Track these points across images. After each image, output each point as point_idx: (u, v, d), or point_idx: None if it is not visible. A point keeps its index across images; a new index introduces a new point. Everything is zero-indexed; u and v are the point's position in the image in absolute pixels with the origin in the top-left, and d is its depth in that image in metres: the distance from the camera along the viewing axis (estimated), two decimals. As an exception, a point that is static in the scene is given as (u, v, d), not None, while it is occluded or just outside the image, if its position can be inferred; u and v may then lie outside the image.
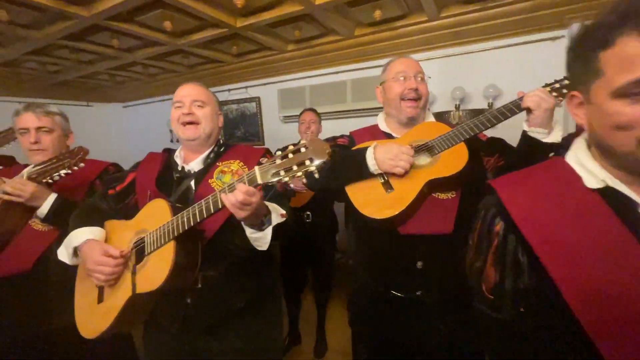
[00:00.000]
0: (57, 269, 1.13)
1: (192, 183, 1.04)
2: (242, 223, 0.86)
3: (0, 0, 1.74)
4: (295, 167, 0.72)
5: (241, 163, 1.08)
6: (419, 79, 1.11)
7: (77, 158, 1.18)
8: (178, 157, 1.12)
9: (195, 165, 1.08)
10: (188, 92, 1.06)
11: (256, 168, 0.77)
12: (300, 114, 2.24)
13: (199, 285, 0.95)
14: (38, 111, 1.27)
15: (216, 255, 0.96)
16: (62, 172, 1.17)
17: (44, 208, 1.15)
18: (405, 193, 1.00)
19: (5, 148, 1.69)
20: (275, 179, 0.74)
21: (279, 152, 0.75)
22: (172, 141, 3.73)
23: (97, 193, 1.16)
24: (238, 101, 3.39)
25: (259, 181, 0.76)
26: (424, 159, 1.05)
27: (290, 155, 0.73)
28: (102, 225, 1.02)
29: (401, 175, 0.99)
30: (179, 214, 0.86)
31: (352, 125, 1.43)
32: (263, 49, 2.75)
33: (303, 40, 2.56)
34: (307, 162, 0.71)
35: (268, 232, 0.88)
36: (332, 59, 2.81)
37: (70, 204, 1.19)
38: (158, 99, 4.20)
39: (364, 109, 2.76)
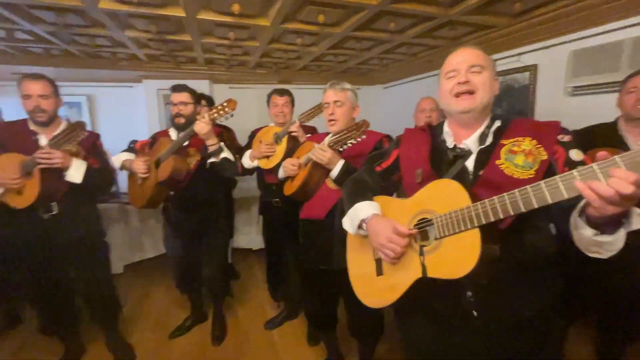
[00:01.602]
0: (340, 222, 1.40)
1: (470, 163, 0.92)
2: (585, 220, 0.67)
3: (319, 5, 2.28)
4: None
5: (534, 141, 0.86)
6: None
7: (361, 130, 1.35)
8: (447, 134, 1.01)
9: (471, 143, 0.95)
10: (463, 58, 0.93)
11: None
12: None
13: (485, 281, 0.83)
14: (337, 87, 1.56)
15: (509, 252, 0.82)
16: (350, 142, 1.38)
17: (335, 171, 1.42)
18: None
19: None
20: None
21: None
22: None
23: (364, 168, 1.23)
24: (505, 72, 2.91)
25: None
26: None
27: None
28: (372, 200, 1.07)
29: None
30: (485, 201, 0.76)
31: None
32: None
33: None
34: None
35: (621, 236, 0.63)
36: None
37: (352, 170, 1.39)
38: (412, 78, 4.42)
39: None
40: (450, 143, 0.99)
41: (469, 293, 0.88)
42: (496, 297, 0.85)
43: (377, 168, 1.16)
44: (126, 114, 4.64)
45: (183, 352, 2.06)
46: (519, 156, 0.85)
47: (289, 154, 1.90)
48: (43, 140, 1.63)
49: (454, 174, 0.93)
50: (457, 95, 0.93)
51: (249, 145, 2.10)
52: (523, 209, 0.69)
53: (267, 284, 2.36)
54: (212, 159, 1.78)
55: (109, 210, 2.81)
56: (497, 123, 0.96)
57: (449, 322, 0.92)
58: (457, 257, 0.80)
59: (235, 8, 2.30)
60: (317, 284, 1.59)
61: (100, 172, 1.71)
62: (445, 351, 0.96)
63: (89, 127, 4.28)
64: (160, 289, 2.82)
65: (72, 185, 1.61)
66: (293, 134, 1.89)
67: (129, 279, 2.94)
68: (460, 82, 0.92)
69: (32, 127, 1.65)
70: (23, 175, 1.52)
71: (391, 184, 1.12)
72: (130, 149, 1.97)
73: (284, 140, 1.91)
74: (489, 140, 0.93)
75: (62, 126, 1.69)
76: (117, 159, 1.88)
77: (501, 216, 0.73)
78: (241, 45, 3.25)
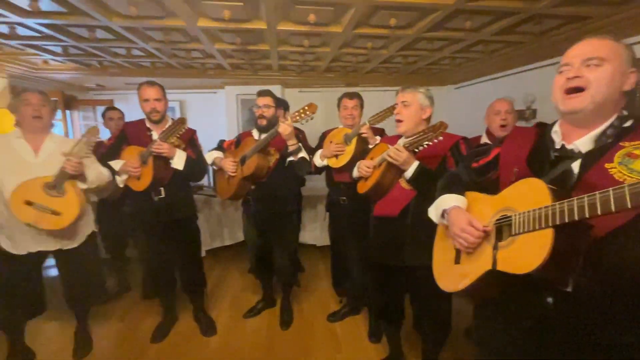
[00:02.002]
0: (414, 219, 1.42)
1: (576, 165, 0.86)
2: None
3: (392, 9, 2.31)
4: None
5: None
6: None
7: (438, 132, 1.36)
8: (556, 133, 0.95)
9: (582, 144, 0.87)
10: (581, 50, 0.86)
11: None
12: None
13: (569, 289, 0.79)
14: (407, 89, 1.59)
15: (595, 261, 0.77)
16: (426, 143, 1.40)
17: (410, 172, 1.45)
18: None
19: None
20: None
21: None
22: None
23: (461, 164, 1.26)
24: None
25: None
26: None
27: None
28: (463, 194, 1.11)
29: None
30: (565, 201, 0.74)
31: None
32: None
33: None
34: None
35: None
36: None
37: (426, 171, 1.41)
38: (488, 77, 4.16)
39: None
40: (558, 143, 0.93)
41: (549, 299, 0.85)
42: (582, 310, 0.80)
43: (474, 164, 1.18)
44: (210, 116, 5.23)
45: (255, 331, 2.28)
46: (638, 161, 0.75)
47: (358, 154, 1.99)
48: (155, 135, 1.98)
49: (554, 175, 0.88)
50: (567, 91, 0.86)
51: (319, 146, 2.23)
52: (599, 211, 0.65)
53: (331, 279, 2.47)
54: (291, 158, 1.96)
55: (195, 200, 3.23)
56: (628, 123, 0.85)
57: (525, 325, 0.89)
58: (526, 254, 0.80)
59: (311, 18, 2.47)
60: (386, 280, 1.63)
61: (196, 162, 2.02)
62: (517, 354, 0.94)
63: None
64: (235, 275, 3.14)
65: (175, 172, 1.94)
66: (363, 135, 1.97)
67: (209, 262, 3.32)
68: (569, 78, 0.86)
69: (148, 124, 2.02)
70: (141, 164, 1.87)
71: (488, 181, 1.11)
72: (219, 147, 2.26)
73: (354, 141, 1.99)
74: (607, 141, 0.84)
75: (169, 123, 2.03)
76: (209, 156, 2.18)
77: (575, 217, 0.70)
78: (313, 52, 3.44)
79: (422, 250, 1.42)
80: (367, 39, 3.01)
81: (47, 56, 3.61)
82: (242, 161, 2.02)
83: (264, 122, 2.08)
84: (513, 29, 2.65)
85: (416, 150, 1.44)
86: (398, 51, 3.30)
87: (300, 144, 1.96)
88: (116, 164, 1.90)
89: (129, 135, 2.01)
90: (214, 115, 5.27)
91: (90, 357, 1.99)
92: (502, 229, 0.93)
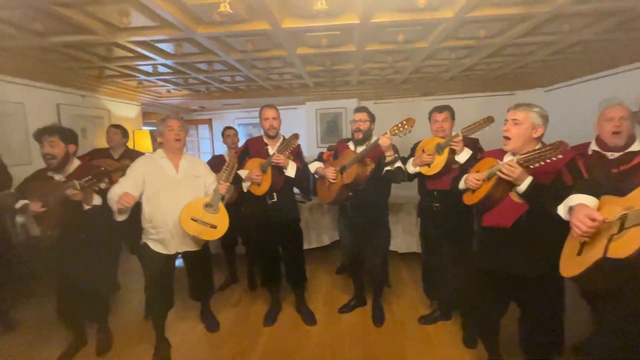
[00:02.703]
0: (528, 231, 1.49)
1: None
2: None
3: (481, 22, 2.37)
4: None
5: None
6: None
7: (557, 151, 1.33)
8: None
9: None
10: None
11: None
12: None
13: None
14: (520, 107, 1.55)
15: None
16: (543, 161, 1.37)
17: (523, 187, 1.45)
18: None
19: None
20: None
21: None
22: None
23: (600, 172, 1.35)
24: None
25: None
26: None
27: None
28: (598, 197, 1.20)
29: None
30: None
31: None
32: None
33: None
34: None
35: None
36: None
37: (540, 186, 1.42)
38: (583, 79, 3.84)
39: None
40: None
41: None
42: None
43: (614, 170, 1.31)
44: (291, 130, 5.73)
45: (350, 325, 2.48)
46: None
47: (450, 163, 2.08)
48: (271, 149, 2.36)
49: None
50: None
51: (411, 155, 2.37)
52: None
53: (422, 283, 2.56)
54: (388, 167, 2.15)
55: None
56: None
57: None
58: (629, 242, 0.94)
59: (400, 37, 2.66)
60: (492, 288, 1.66)
61: (303, 171, 2.35)
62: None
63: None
64: (323, 274, 3.41)
65: (286, 179, 2.28)
66: (453, 145, 2.03)
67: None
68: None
69: (265, 140, 2.42)
70: (262, 172, 2.26)
71: (630, 185, 1.13)
72: (319, 158, 2.56)
73: (446, 151, 2.08)
74: None
75: (281, 139, 2.39)
76: (312, 166, 2.49)
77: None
78: (394, 66, 3.62)
79: (535, 260, 1.48)
80: (451, 51, 3.09)
81: (170, 86, 4.42)
82: (342, 170, 2.28)
83: (360, 135, 2.32)
84: (622, 26, 2.48)
85: (531, 166, 1.42)
86: (483, 59, 3.30)
87: (396, 155, 2.15)
88: (242, 173, 2.32)
89: (250, 149, 2.43)
90: (295, 128, 5.75)
91: (219, 333, 2.42)
92: (624, 224, 1.03)
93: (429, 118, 2.32)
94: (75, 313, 2.14)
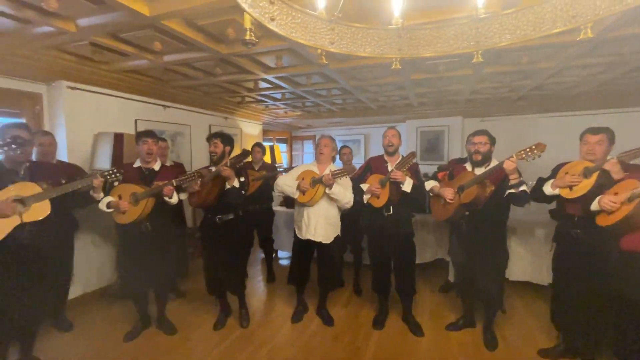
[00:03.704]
0: None
1: None
2: None
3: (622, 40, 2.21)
4: None
5: None
6: None
7: None
8: None
9: None
10: None
11: None
12: None
13: None
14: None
15: None
16: None
17: None
18: None
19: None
20: None
21: None
22: None
23: None
24: None
25: None
26: None
27: None
28: None
29: None
30: None
31: None
32: None
33: None
34: None
35: None
36: None
37: None
38: None
39: None
40: None
41: None
42: None
43: None
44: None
45: (460, 344, 2.51)
46: None
47: (596, 189, 1.93)
48: (390, 166, 2.62)
49: None
50: None
51: (552, 176, 2.26)
52: None
53: (550, 312, 2.38)
54: (512, 190, 2.17)
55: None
56: None
57: None
58: None
59: (524, 59, 2.65)
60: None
61: (419, 187, 2.54)
62: None
63: (363, 159, 5.71)
64: (426, 291, 3.46)
65: (403, 194, 2.49)
66: (607, 168, 1.89)
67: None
68: None
69: (385, 157, 2.69)
70: (381, 187, 2.53)
71: None
72: (434, 177, 2.70)
73: (594, 175, 1.93)
74: None
75: (400, 156, 2.65)
76: (427, 184, 2.65)
77: None
78: (510, 85, 3.53)
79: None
80: (583, 68, 2.90)
81: (289, 109, 5.11)
82: (460, 190, 2.38)
83: (479, 158, 2.39)
84: None
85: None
86: (626, 73, 2.98)
87: (521, 178, 2.15)
88: (364, 187, 2.63)
89: (372, 165, 2.74)
90: (394, 145, 5.95)
91: (334, 329, 2.74)
92: None
93: (580, 139, 2.18)
94: (219, 287, 2.71)
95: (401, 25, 1.15)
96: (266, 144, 5.88)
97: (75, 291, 3.01)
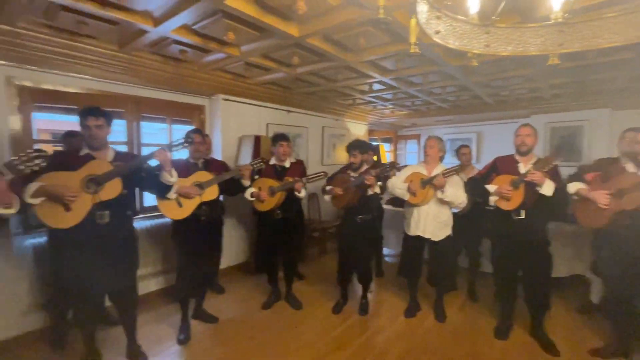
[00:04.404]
0: None
1: None
2: None
3: None
4: None
5: None
6: None
7: None
8: None
9: None
10: None
11: None
12: None
13: None
14: None
15: None
16: None
17: None
18: None
19: None
20: None
21: None
22: None
23: None
24: None
25: None
26: None
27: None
28: None
29: None
30: None
31: None
32: None
33: None
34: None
35: None
36: None
37: None
38: None
39: None
40: None
41: None
42: None
43: None
44: (502, 147, 5.39)
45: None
46: None
47: None
48: (522, 166, 2.41)
49: None
50: None
51: None
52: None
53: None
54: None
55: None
56: None
57: None
58: None
59: None
60: None
61: (561, 192, 2.28)
62: None
63: (476, 159, 5.25)
64: (559, 308, 3.06)
65: (540, 198, 2.26)
66: None
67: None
68: None
69: (516, 157, 2.50)
70: (513, 188, 2.34)
71: None
72: (578, 178, 2.37)
73: None
74: None
75: (534, 157, 2.42)
76: (572, 186, 2.34)
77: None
78: None
79: None
80: None
81: (397, 108, 5.14)
82: (619, 194, 2.05)
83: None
84: None
85: None
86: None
87: None
88: (491, 188, 2.50)
89: (499, 166, 2.58)
90: (505, 142, 5.39)
91: (452, 329, 2.71)
92: None
93: None
94: (349, 277, 3.01)
95: (562, 18, 1.12)
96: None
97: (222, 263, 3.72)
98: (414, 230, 2.74)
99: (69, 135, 2.53)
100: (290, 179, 2.79)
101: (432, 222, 2.67)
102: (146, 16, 2.00)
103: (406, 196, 2.71)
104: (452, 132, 6.19)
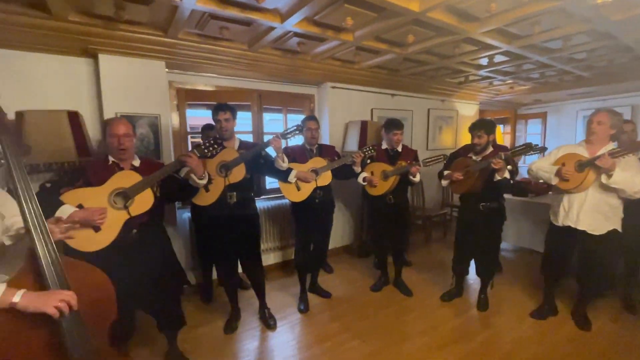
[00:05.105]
0: None
1: None
2: None
3: None
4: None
5: None
6: None
7: None
8: None
9: None
10: None
11: None
12: None
13: None
14: None
15: None
16: None
17: None
18: None
19: None
20: None
21: None
22: None
23: None
24: None
25: None
26: None
27: None
28: None
29: None
30: None
31: None
32: None
33: None
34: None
35: None
36: None
37: None
38: None
39: None
40: None
41: None
42: None
43: None
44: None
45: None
46: None
47: None
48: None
49: None
50: None
51: None
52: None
53: None
54: None
55: None
56: None
57: None
58: None
59: None
60: None
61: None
62: None
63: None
64: None
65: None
66: None
67: None
68: None
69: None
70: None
71: None
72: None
73: None
74: None
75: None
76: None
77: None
78: None
79: None
80: None
81: (519, 82, 4.46)
82: None
83: None
84: None
85: None
86: None
87: None
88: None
89: None
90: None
91: (591, 334, 2.31)
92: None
93: None
94: (466, 267, 2.89)
95: None
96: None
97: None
98: (562, 220, 2.30)
99: (207, 128, 3.01)
100: (404, 163, 2.72)
101: (589, 211, 2.19)
102: (275, 13, 2.18)
103: (554, 181, 2.27)
104: (590, 108, 5.05)
